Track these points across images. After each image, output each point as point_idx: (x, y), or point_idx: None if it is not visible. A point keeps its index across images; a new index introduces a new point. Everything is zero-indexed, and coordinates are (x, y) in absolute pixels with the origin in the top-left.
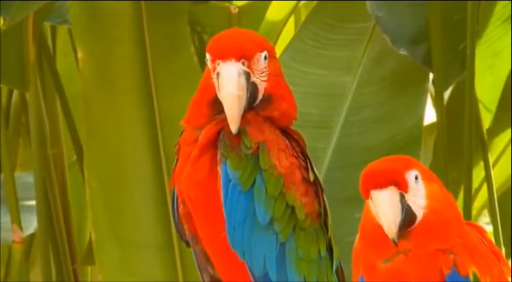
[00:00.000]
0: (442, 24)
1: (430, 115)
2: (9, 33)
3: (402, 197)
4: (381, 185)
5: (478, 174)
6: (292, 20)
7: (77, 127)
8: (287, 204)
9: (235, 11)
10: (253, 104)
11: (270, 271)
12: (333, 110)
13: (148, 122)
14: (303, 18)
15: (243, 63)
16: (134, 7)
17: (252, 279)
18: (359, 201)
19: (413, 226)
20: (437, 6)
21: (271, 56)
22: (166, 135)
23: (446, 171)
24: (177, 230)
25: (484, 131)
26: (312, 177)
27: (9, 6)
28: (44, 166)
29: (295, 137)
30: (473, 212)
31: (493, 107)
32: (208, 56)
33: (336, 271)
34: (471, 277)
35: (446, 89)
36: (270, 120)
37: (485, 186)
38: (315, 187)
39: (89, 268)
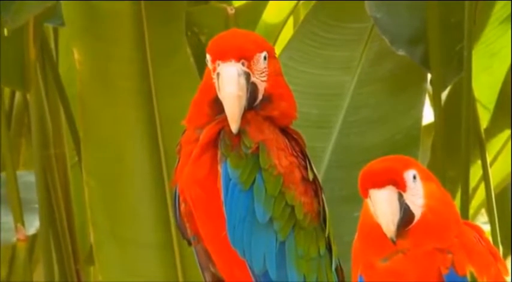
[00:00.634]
0: (440, 25)
1: (428, 115)
2: (10, 33)
3: (400, 196)
4: (380, 184)
5: (476, 173)
6: (291, 20)
7: (78, 128)
8: (286, 203)
9: (232, 11)
10: (253, 103)
11: (270, 269)
12: (331, 109)
13: (147, 122)
14: (302, 18)
15: (243, 64)
16: (133, 8)
17: (252, 277)
18: (358, 200)
19: (412, 225)
20: (435, 8)
21: (270, 56)
22: (166, 136)
23: (444, 171)
24: (179, 229)
25: (482, 130)
26: (311, 177)
27: (9, 8)
28: (46, 166)
29: (295, 136)
30: (471, 211)
31: (491, 107)
32: (208, 57)
33: (336, 269)
34: (468, 277)
35: (444, 89)
36: (270, 119)
37: (482, 185)
38: (314, 186)
39: (91, 268)
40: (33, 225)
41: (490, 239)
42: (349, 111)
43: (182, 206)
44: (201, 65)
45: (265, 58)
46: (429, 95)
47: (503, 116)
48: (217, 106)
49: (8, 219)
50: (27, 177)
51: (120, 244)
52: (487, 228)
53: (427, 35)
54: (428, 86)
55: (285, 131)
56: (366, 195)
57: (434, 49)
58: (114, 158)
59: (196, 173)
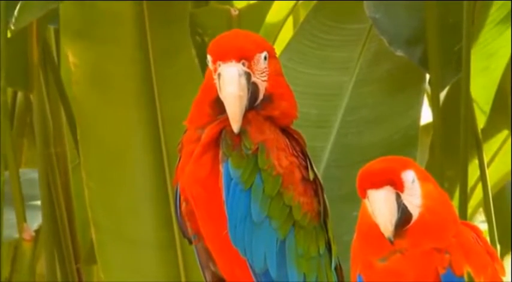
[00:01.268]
0: (438, 26)
1: (426, 115)
2: (13, 35)
3: (398, 197)
4: (377, 184)
5: (474, 173)
6: (290, 20)
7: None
8: (284, 204)
9: (235, 13)
10: (254, 103)
11: (270, 268)
12: (330, 109)
13: (149, 123)
14: (302, 19)
15: (244, 64)
16: (135, 9)
17: (253, 276)
18: (356, 199)
19: (409, 225)
20: (433, 8)
21: (271, 56)
22: (168, 136)
23: (442, 170)
24: (180, 227)
25: (479, 131)
26: (311, 176)
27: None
28: (48, 165)
29: (296, 136)
30: (469, 211)
31: (488, 108)
32: (209, 58)
33: (335, 268)
34: (466, 277)
35: (442, 89)
36: (271, 119)
37: (480, 185)
38: (314, 186)
39: (94, 268)
40: (35, 221)
41: (488, 238)
42: (347, 111)
43: (183, 205)
44: (205, 66)
45: (265, 58)
46: (427, 95)
47: (500, 117)
48: (218, 106)
49: (12, 216)
50: (30, 174)
51: (122, 243)
52: (485, 227)
53: (425, 36)
54: (427, 86)
55: (286, 131)
56: (364, 195)
57: (432, 50)
58: (116, 159)
59: (197, 172)
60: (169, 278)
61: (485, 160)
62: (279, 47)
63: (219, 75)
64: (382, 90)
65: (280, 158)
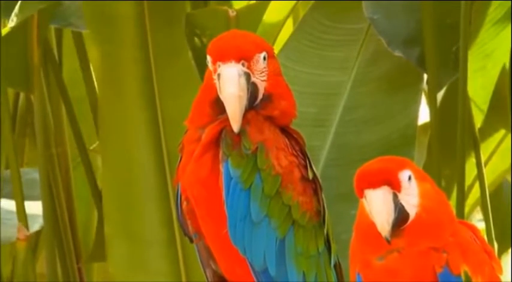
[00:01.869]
0: (435, 27)
1: (426, 114)
2: (13, 35)
3: (395, 196)
4: (375, 184)
5: (471, 171)
6: (290, 21)
7: (80, 128)
8: (283, 203)
9: (233, 14)
10: (254, 103)
11: (269, 267)
12: (328, 109)
13: (151, 123)
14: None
15: (243, 65)
16: (137, 10)
17: (252, 274)
18: (354, 198)
19: (406, 224)
20: (430, 9)
21: (270, 56)
22: (168, 136)
23: (439, 170)
24: (181, 226)
25: (476, 130)
26: (311, 176)
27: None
28: (49, 165)
29: (295, 135)
30: (466, 209)
31: (485, 107)
32: (209, 58)
33: (334, 266)
34: (463, 276)
35: (439, 89)
36: (270, 119)
37: (477, 184)
38: (314, 185)
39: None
40: (37, 221)
41: (485, 236)
42: (345, 111)
43: (184, 204)
44: (204, 67)
45: (264, 58)
46: (426, 95)
47: (497, 116)
48: (218, 106)
49: (13, 215)
50: (32, 174)
51: (129, 240)
52: (482, 225)
53: (423, 37)
54: (425, 86)
55: (285, 130)
56: (362, 195)
57: (429, 50)
58: (123, 158)
59: (198, 171)
60: (172, 274)
61: (483, 159)
62: (279, 47)
63: (218, 75)
64: (380, 89)
65: (279, 158)
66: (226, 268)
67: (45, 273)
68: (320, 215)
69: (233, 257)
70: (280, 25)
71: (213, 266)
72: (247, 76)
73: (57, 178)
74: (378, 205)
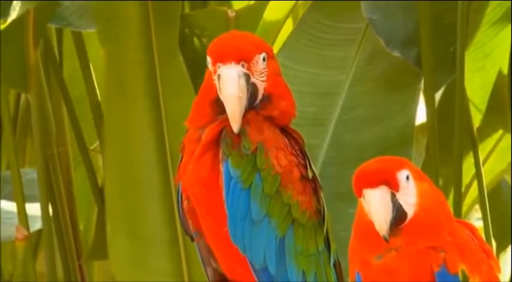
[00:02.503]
0: (433, 27)
1: (424, 114)
2: (10, 34)
3: (393, 196)
4: (373, 184)
5: (470, 170)
6: (290, 21)
7: (81, 128)
8: (283, 202)
9: (232, 14)
10: (254, 103)
11: (269, 265)
12: (327, 108)
13: (154, 123)
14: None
15: (243, 65)
16: (141, 10)
17: (253, 273)
18: (353, 197)
19: (404, 224)
20: (427, 9)
21: (269, 57)
22: (172, 135)
23: (437, 169)
24: (182, 225)
25: (474, 129)
26: (310, 175)
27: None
28: (50, 164)
29: (294, 135)
30: (464, 208)
31: (483, 107)
32: (209, 59)
33: (334, 265)
34: (460, 275)
35: (437, 90)
36: (270, 119)
37: (475, 183)
38: (313, 184)
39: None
40: (37, 221)
41: (483, 235)
42: (344, 110)
43: (185, 203)
44: (203, 67)
45: (264, 59)
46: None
47: (495, 116)
48: (218, 106)
49: (12, 214)
50: (32, 174)
51: (132, 239)
52: (480, 224)
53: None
54: (423, 86)
55: (285, 130)
56: (360, 194)
57: (426, 51)
58: (127, 158)
59: (198, 171)
60: (173, 274)
61: (481, 158)
62: (278, 47)
63: (218, 76)
64: (378, 89)
65: (279, 157)
66: (226, 267)
67: (46, 272)
68: (320, 214)
69: (233, 255)
70: (279, 25)
71: (214, 265)
72: (247, 77)
73: (58, 177)
74: (376, 204)
